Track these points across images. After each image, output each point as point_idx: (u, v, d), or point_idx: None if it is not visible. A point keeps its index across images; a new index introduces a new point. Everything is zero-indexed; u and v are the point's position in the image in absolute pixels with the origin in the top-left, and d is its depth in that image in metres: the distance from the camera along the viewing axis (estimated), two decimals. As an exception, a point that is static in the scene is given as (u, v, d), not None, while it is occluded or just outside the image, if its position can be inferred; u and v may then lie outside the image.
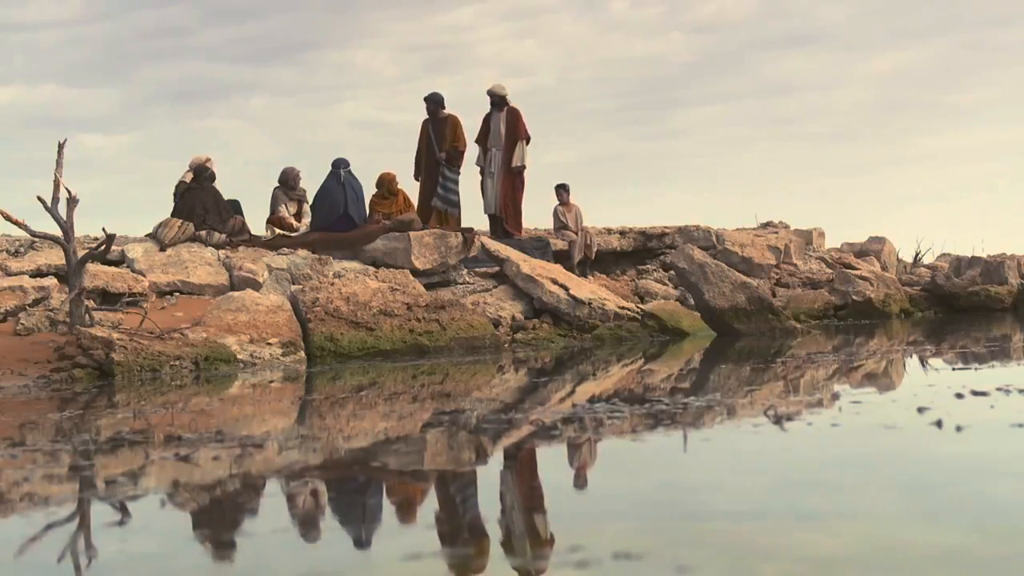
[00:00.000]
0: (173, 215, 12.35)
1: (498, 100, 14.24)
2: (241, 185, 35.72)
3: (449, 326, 11.11)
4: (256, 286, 11.28)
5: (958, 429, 4.57)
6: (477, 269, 13.14)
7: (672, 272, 14.21)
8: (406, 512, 3.68)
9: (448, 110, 13.97)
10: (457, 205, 13.80)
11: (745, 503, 3.45)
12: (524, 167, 14.31)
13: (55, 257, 10.94)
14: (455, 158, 13.83)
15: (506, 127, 14.18)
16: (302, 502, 3.81)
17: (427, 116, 13.96)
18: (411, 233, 12.65)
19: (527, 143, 14.30)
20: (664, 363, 9.75)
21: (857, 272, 16.08)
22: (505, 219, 14.29)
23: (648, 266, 15.71)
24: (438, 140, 13.76)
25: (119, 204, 36.62)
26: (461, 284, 12.85)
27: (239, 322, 10.13)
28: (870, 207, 38.77)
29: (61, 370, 8.75)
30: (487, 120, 14.34)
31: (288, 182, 13.54)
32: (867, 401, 5.81)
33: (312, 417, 6.45)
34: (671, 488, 3.79)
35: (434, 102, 13.91)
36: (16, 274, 10.94)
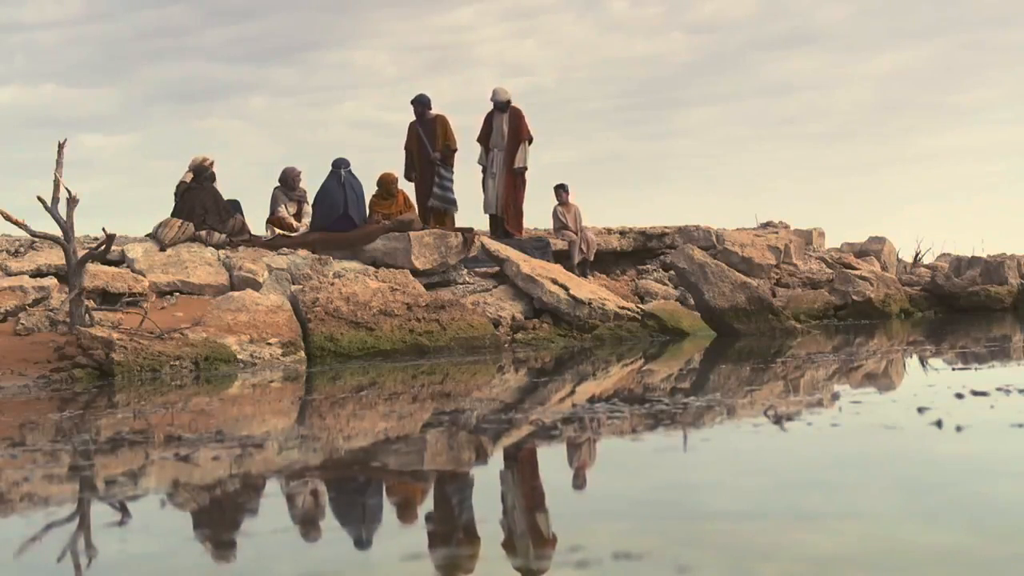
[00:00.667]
0: (173, 215, 12.35)
1: (502, 104, 14.26)
2: (241, 185, 35.74)
3: (449, 326, 11.11)
4: (256, 286, 11.28)
5: (958, 429, 4.57)
6: (477, 269, 13.15)
7: (672, 272, 14.21)
8: (406, 512, 3.68)
9: (440, 111, 14.08)
10: (455, 203, 13.84)
11: (745, 503, 3.45)
12: (526, 168, 14.33)
13: (55, 257, 10.94)
14: (449, 157, 13.88)
15: (509, 128, 14.20)
16: (302, 502, 3.81)
17: (415, 118, 14.01)
18: (411, 233, 12.65)
19: (529, 144, 14.33)
20: (664, 363, 9.75)
21: (857, 272, 16.08)
22: (506, 219, 14.30)
23: (648, 266, 15.71)
24: (430, 141, 13.80)
25: (119, 204, 36.65)
26: (461, 284, 12.86)
27: (239, 322, 10.13)
28: (870, 207, 38.80)
29: (61, 370, 8.75)
30: (489, 120, 14.36)
31: (288, 182, 13.54)
32: (867, 401, 5.81)
33: (312, 417, 6.45)
34: (671, 488, 3.79)
35: (422, 104, 13.96)
36: (16, 274, 10.93)
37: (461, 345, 10.99)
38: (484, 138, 14.38)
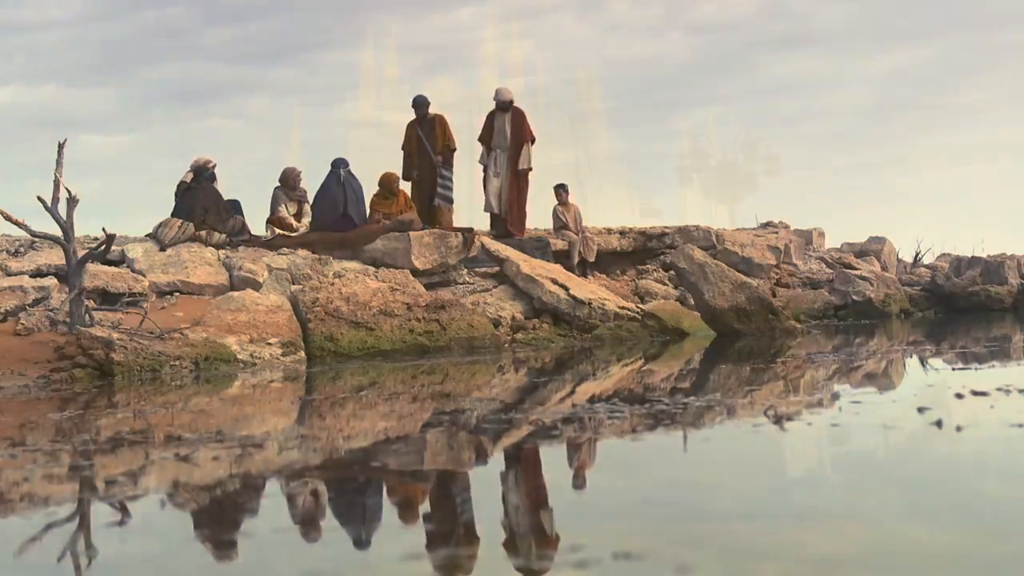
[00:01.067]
0: (173, 215, 12.35)
1: (504, 104, 14.27)
2: (241, 185, 35.68)
3: (449, 326, 11.11)
4: (256, 286, 11.28)
5: (958, 429, 4.57)
6: (477, 269, 13.15)
7: (672, 272, 14.21)
8: (406, 512, 3.68)
9: (440, 110, 14.12)
10: (452, 200, 13.89)
11: (745, 503, 3.45)
12: (530, 169, 14.35)
13: (55, 257, 10.94)
14: (449, 157, 13.92)
15: (512, 129, 14.22)
16: (302, 502, 3.81)
17: (414, 118, 14.04)
18: (411, 233, 12.65)
19: (532, 144, 14.34)
20: (664, 363, 9.75)
21: (857, 272, 16.09)
22: (509, 219, 14.31)
23: (648, 266, 15.71)
24: (430, 141, 13.83)
25: (119, 204, 36.61)
26: (461, 284, 12.86)
27: (239, 322, 10.13)
28: (870, 207, 38.77)
29: (61, 370, 8.74)
30: (491, 119, 14.37)
31: (288, 182, 13.55)
32: (867, 401, 5.81)
33: (312, 417, 6.45)
34: (671, 488, 3.79)
35: (422, 105, 14.01)
36: (16, 274, 10.93)
37: (461, 345, 10.98)
38: (486, 138, 14.39)
